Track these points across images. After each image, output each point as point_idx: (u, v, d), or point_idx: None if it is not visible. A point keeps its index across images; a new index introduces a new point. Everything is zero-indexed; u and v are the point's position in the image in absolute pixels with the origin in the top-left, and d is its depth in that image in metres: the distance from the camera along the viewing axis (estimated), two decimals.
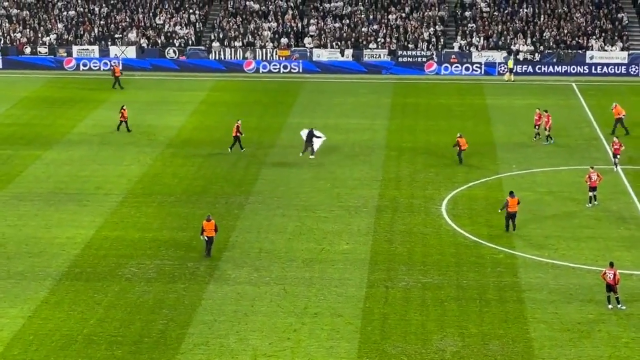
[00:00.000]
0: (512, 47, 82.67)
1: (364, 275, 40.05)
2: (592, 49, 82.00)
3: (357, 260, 41.68)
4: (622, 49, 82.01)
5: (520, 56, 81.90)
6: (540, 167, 55.00)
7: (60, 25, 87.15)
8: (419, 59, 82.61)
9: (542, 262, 41.46)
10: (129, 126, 62.42)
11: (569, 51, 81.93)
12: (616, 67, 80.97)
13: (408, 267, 40.99)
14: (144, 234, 44.86)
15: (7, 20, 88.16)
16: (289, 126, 64.11)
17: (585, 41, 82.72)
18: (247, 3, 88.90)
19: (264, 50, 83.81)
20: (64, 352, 33.82)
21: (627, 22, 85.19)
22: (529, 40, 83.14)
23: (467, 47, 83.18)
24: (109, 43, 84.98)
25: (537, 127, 60.16)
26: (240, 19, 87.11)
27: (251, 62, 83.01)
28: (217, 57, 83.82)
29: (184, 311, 36.90)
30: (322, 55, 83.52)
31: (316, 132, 56.79)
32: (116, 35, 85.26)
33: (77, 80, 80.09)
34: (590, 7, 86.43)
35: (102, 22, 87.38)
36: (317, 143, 56.52)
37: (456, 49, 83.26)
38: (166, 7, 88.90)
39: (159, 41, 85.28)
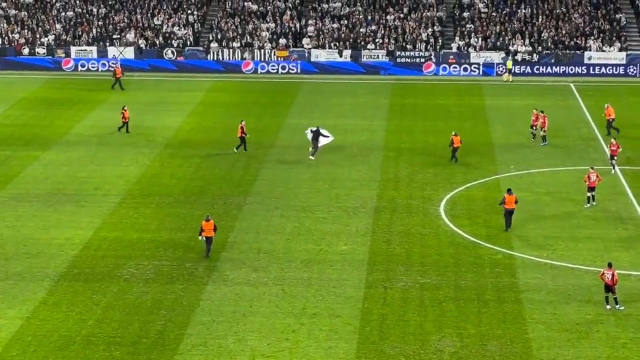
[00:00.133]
0: (510, 47, 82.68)
1: (362, 276, 40.03)
2: (590, 50, 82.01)
3: (355, 260, 41.67)
4: (620, 50, 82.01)
5: (519, 57, 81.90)
6: (539, 168, 54.99)
7: (58, 26, 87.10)
8: (417, 59, 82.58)
9: (541, 263, 41.45)
10: (129, 128, 62.34)
11: (567, 52, 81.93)
12: (614, 68, 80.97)
13: (406, 267, 40.98)
14: (142, 234, 44.84)
15: (5, 21, 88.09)
16: (287, 127, 64.11)
17: (583, 42, 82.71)
18: (245, 4, 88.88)
19: (262, 50, 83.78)
20: (62, 353, 33.80)
21: (625, 22, 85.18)
22: (527, 41, 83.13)
23: (466, 48, 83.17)
24: (107, 44, 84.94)
25: (533, 127, 60.14)
26: (239, 20, 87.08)
27: (249, 63, 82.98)
28: (215, 58, 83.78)
29: (182, 312, 36.89)
30: (321, 55, 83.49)
31: (324, 132, 56.23)
32: (114, 36, 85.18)
33: (75, 81, 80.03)
34: (589, 8, 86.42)
35: (100, 22, 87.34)
36: (322, 142, 56.07)
37: (454, 50, 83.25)
38: (164, 7, 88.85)
39: (157, 42, 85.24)
